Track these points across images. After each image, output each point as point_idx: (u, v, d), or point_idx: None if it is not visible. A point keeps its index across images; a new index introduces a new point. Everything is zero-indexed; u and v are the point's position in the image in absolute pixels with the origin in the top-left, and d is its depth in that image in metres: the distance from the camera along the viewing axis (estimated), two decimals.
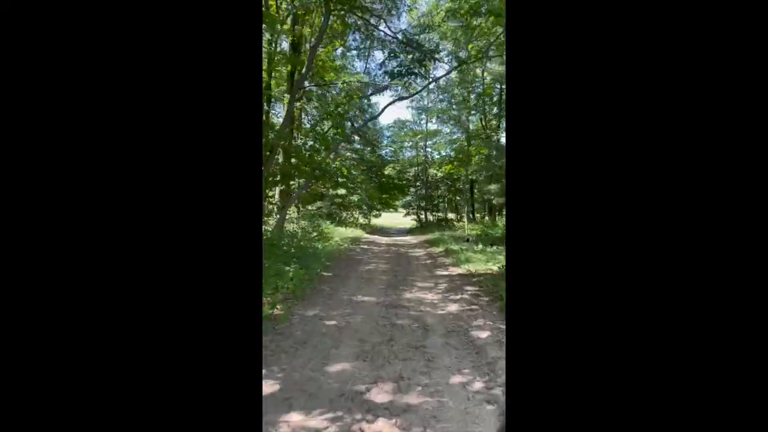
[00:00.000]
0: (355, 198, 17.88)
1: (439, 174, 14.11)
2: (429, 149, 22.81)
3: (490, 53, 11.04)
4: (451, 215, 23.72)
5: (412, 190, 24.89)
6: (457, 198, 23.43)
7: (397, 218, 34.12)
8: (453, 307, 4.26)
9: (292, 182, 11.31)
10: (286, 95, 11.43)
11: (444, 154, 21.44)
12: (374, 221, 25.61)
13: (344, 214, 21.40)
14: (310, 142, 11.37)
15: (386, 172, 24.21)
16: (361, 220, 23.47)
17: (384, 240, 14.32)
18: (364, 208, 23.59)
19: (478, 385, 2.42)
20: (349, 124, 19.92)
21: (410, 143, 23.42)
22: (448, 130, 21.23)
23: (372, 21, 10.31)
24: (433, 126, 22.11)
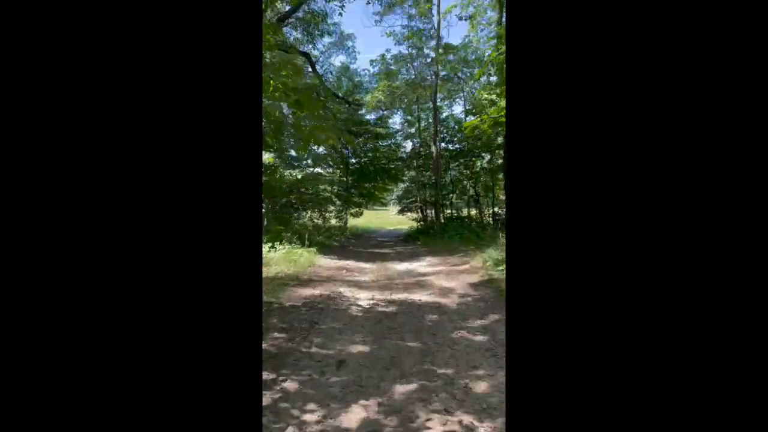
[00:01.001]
0: (296, 175, 8.33)
1: (484, 126, 5.10)
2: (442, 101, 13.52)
3: None
4: (469, 211, 14.75)
5: (408, 174, 15.66)
6: (476, 187, 14.37)
7: (384, 216, 24.80)
8: None
9: None
10: None
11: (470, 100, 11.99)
12: (352, 222, 16.29)
13: (296, 215, 12.09)
14: None
15: (370, 147, 14.94)
16: (334, 221, 14.16)
17: (366, 286, 4.84)
18: (337, 201, 14.27)
19: None
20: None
21: (406, 103, 14.14)
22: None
23: None
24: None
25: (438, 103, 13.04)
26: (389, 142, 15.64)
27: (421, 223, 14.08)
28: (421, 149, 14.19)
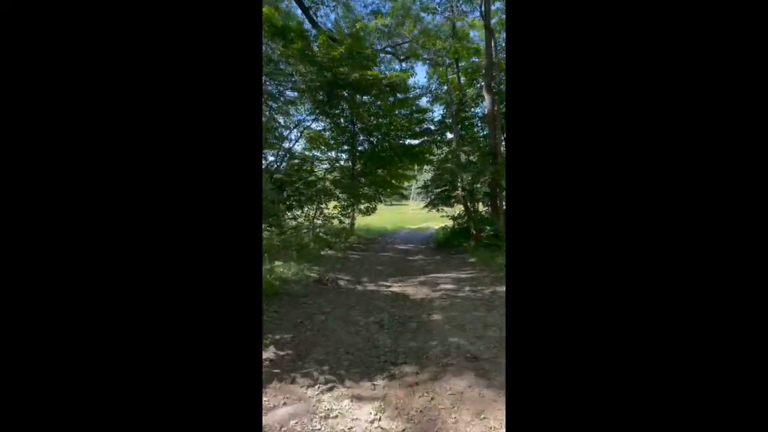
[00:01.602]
0: None
1: None
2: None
3: None
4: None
5: (438, 153, 10.60)
6: None
7: (404, 212, 19.79)
8: None
9: None
10: None
11: None
12: (362, 221, 11.44)
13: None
14: None
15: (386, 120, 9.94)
16: (336, 222, 9.36)
17: None
18: (338, 194, 9.43)
19: None
20: None
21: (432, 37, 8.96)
22: None
23: None
24: None
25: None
26: (408, 111, 10.51)
27: (459, 221, 9.06)
28: (460, 110, 9.05)
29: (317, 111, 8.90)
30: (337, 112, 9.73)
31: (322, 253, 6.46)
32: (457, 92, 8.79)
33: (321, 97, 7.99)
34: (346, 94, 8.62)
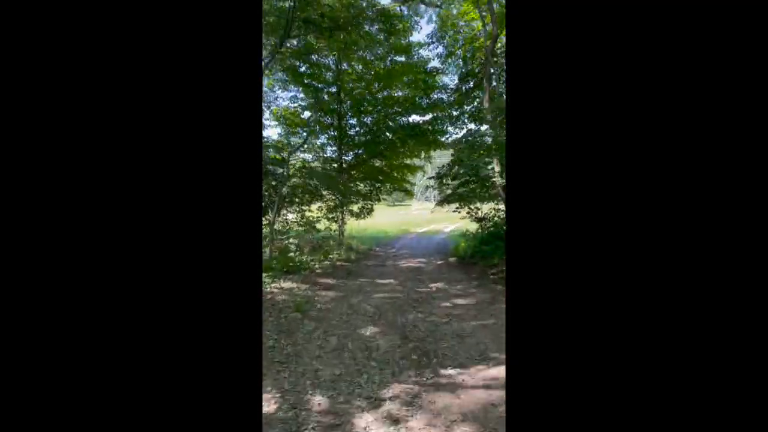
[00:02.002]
0: None
1: None
2: None
3: None
4: None
5: (453, 130, 7.68)
6: None
7: (405, 212, 16.92)
8: None
9: None
10: None
11: None
12: (355, 226, 8.50)
13: None
14: None
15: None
16: (321, 226, 6.38)
17: None
18: (324, 192, 6.51)
19: None
20: None
21: None
22: None
23: None
24: None
25: None
26: (409, 79, 7.54)
27: (485, 224, 6.19)
28: (490, 61, 6.08)
29: (280, 68, 6.00)
30: (317, 85, 6.87)
31: (269, 289, 3.56)
32: (490, 33, 5.84)
33: (275, 41, 5.04)
34: (323, 55, 5.73)
